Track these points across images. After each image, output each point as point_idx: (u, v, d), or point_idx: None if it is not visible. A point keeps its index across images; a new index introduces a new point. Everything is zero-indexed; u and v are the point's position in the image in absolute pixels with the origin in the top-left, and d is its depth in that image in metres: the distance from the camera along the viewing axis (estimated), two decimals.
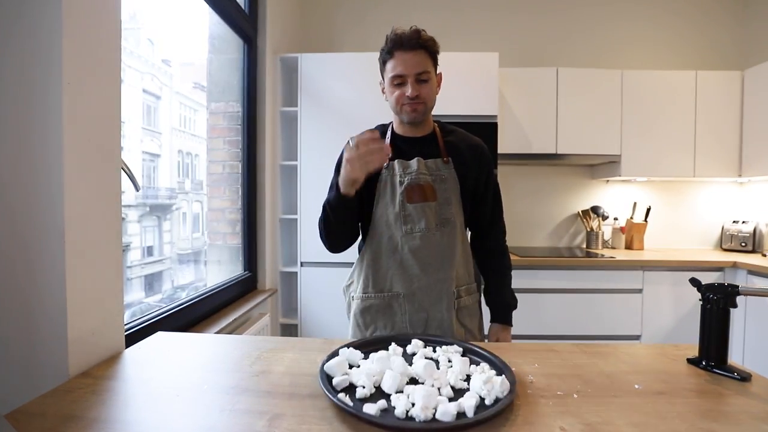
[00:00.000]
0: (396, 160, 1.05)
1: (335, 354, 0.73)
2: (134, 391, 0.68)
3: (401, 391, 0.62)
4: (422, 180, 1.03)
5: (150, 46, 2.92)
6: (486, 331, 1.17)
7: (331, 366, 0.68)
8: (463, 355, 0.76)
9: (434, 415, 0.55)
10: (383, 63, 1.04)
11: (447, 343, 0.80)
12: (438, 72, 1.08)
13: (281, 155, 2.35)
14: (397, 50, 1.00)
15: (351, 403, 0.58)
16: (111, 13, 0.87)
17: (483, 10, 2.82)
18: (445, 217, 1.04)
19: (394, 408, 0.57)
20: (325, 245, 1.07)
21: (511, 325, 1.15)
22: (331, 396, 0.59)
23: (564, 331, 2.26)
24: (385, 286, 1.05)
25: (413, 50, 1.00)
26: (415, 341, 0.81)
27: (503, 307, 1.16)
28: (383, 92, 1.09)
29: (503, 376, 0.62)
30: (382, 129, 1.14)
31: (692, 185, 2.83)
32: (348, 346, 0.77)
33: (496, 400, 0.58)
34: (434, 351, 0.77)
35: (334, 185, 0.98)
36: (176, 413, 0.58)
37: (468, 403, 0.56)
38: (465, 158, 1.09)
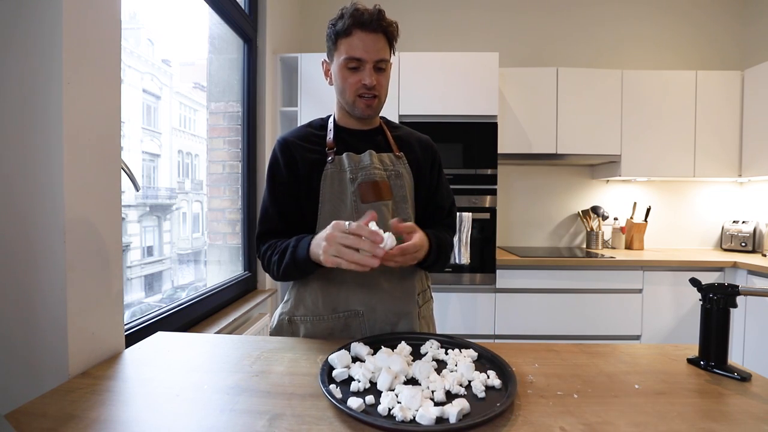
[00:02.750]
0: (344, 154, 0.93)
1: (346, 348, 0.76)
2: (134, 391, 0.68)
3: (393, 389, 0.62)
4: (377, 176, 0.92)
5: (150, 46, 2.93)
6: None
7: (333, 358, 0.70)
8: (476, 360, 0.75)
9: (414, 417, 0.55)
10: (335, 40, 0.90)
11: (464, 346, 0.80)
12: (390, 61, 0.95)
13: None
14: (357, 29, 0.86)
15: (340, 395, 0.60)
16: (111, 13, 0.87)
17: (483, 10, 2.82)
18: (401, 216, 0.94)
19: (378, 404, 0.58)
20: (273, 276, 0.91)
21: (426, 252, 0.87)
22: (321, 385, 0.62)
23: (564, 331, 2.26)
24: (339, 304, 0.92)
25: (375, 32, 0.87)
26: (430, 341, 0.81)
27: (438, 239, 0.93)
28: (327, 75, 0.96)
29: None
30: (320, 122, 1.00)
31: (692, 185, 2.83)
32: (360, 341, 0.79)
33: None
34: (446, 353, 0.77)
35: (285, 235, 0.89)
36: (176, 413, 0.58)
37: (452, 410, 0.55)
38: (416, 153, 1.00)
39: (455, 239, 1.10)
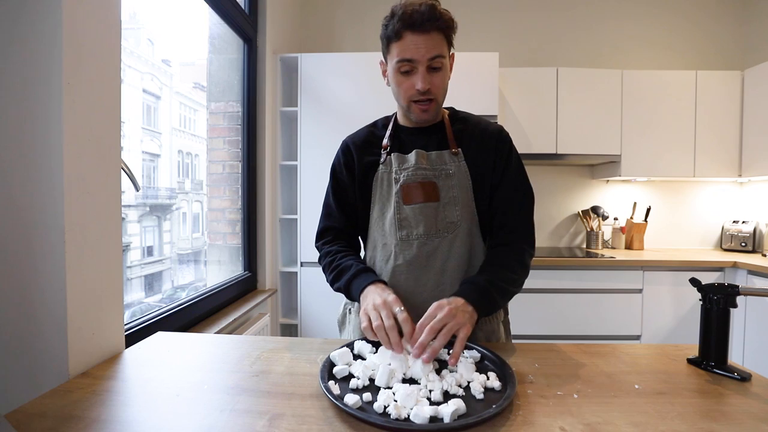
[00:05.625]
0: (393, 154, 0.91)
1: (349, 346, 0.76)
2: (134, 391, 0.68)
3: (390, 387, 0.62)
4: (421, 176, 0.88)
5: (150, 46, 2.93)
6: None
7: (335, 355, 0.70)
8: (478, 362, 0.74)
9: (408, 415, 0.55)
10: (387, 43, 0.84)
11: (466, 347, 0.78)
12: (451, 53, 0.87)
13: (281, 155, 2.35)
14: (407, 31, 0.80)
15: (338, 392, 0.60)
16: (111, 13, 0.87)
17: (483, 10, 2.82)
18: (449, 220, 0.87)
19: (375, 402, 0.58)
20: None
21: (472, 306, 0.75)
22: (321, 381, 0.62)
23: (564, 331, 2.26)
24: None
25: (427, 32, 0.80)
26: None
27: (472, 282, 0.81)
28: (384, 75, 0.91)
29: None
30: (384, 121, 0.99)
31: (692, 185, 2.83)
32: (363, 339, 0.78)
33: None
34: (448, 353, 0.77)
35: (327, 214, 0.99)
36: (176, 413, 0.58)
37: (446, 410, 0.55)
38: (479, 148, 0.90)
39: None
